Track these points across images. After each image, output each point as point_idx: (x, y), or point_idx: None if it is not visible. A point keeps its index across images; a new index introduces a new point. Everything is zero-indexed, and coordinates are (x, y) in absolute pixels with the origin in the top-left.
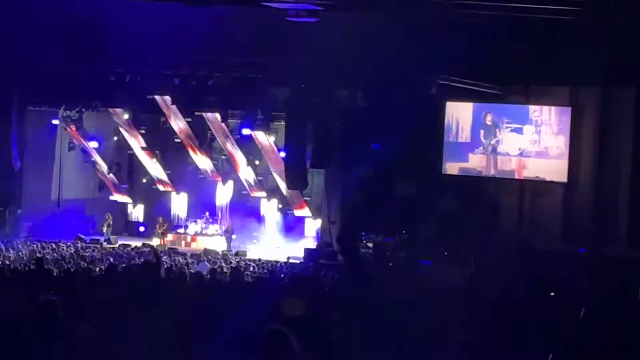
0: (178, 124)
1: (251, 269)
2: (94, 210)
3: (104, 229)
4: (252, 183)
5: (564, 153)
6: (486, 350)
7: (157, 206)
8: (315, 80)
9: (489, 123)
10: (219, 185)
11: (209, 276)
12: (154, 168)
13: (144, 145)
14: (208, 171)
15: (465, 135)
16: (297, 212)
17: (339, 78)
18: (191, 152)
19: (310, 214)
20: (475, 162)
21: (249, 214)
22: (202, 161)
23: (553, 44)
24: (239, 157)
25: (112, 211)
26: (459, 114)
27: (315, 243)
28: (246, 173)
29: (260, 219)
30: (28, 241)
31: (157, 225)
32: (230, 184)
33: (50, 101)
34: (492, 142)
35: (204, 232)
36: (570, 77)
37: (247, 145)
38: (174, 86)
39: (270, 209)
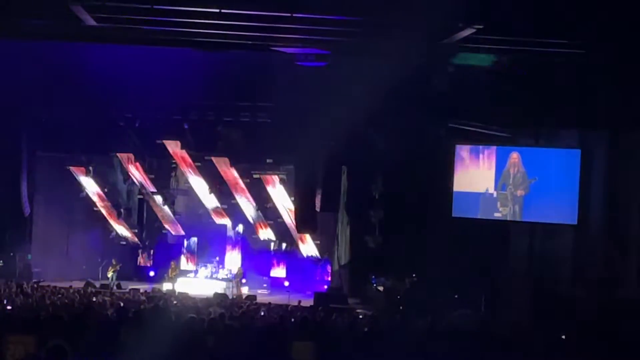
0: (187, 168)
1: (262, 313)
2: (104, 255)
3: (109, 275)
4: (262, 227)
5: (574, 195)
6: None
7: (167, 251)
8: (323, 124)
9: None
10: (229, 229)
11: (219, 321)
12: (163, 213)
13: (153, 190)
14: (217, 215)
15: (476, 180)
16: (306, 254)
17: (347, 121)
18: (200, 197)
19: (320, 258)
20: (486, 204)
21: (259, 257)
22: (211, 205)
23: (561, 87)
24: (249, 201)
25: (122, 256)
26: (473, 158)
27: (326, 287)
28: (256, 217)
29: (269, 262)
30: (38, 286)
31: (170, 270)
32: (240, 228)
33: (60, 146)
34: (508, 184)
35: (214, 276)
36: (579, 120)
37: (257, 189)
38: (183, 131)
39: (280, 252)
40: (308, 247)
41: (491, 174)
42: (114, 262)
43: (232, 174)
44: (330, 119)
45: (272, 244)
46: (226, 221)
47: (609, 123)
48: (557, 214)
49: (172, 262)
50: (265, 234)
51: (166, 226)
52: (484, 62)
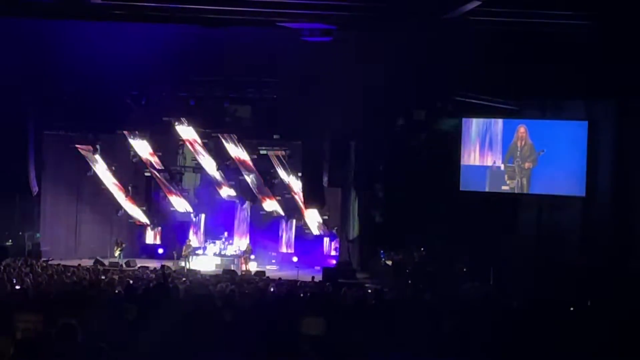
0: (194, 145)
1: (271, 289)
2: (112, 233)
3: (116, 253)
4: (270, 202)
5: (581, 167)
6: None
7: (176, 228)
8: (329, 99)
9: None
10: (237, 205)
11: (229, 297)
12: (171, 190)
13: (160, 167)
14: (225, 192)
15: (484, 153)
16: (315, 231)
17: (353, 96)
18: (209, 172)
19: (327, 232)
20: (494, 177)
21: (267, 233)
22: (219, 181)
23: (568, 58)
24: (256, 177)
25: (130, 234)
26: (481, 131)
27: (334, 262)
28: (263, 193)
29: (278, 238)
30: (47, 264)
31: (184, 247)
32: (248, 204)
33: (67, 125)
34: (515, 157)
35: (222, 252)
36: (585, 91)
37: (264, 165)
38: (190, 108)
39: (288, 228)
40: (316, 222)
41: (498, 147)
42: (118, 241)
43: (239, 150)
44: (337, 93)
45: (281, 219)
46: (234, 195)
47: (616, 92)
48: (565, 186)
49: (188, 240)
50: (271, 205)
51: (174, 203)
52: None
